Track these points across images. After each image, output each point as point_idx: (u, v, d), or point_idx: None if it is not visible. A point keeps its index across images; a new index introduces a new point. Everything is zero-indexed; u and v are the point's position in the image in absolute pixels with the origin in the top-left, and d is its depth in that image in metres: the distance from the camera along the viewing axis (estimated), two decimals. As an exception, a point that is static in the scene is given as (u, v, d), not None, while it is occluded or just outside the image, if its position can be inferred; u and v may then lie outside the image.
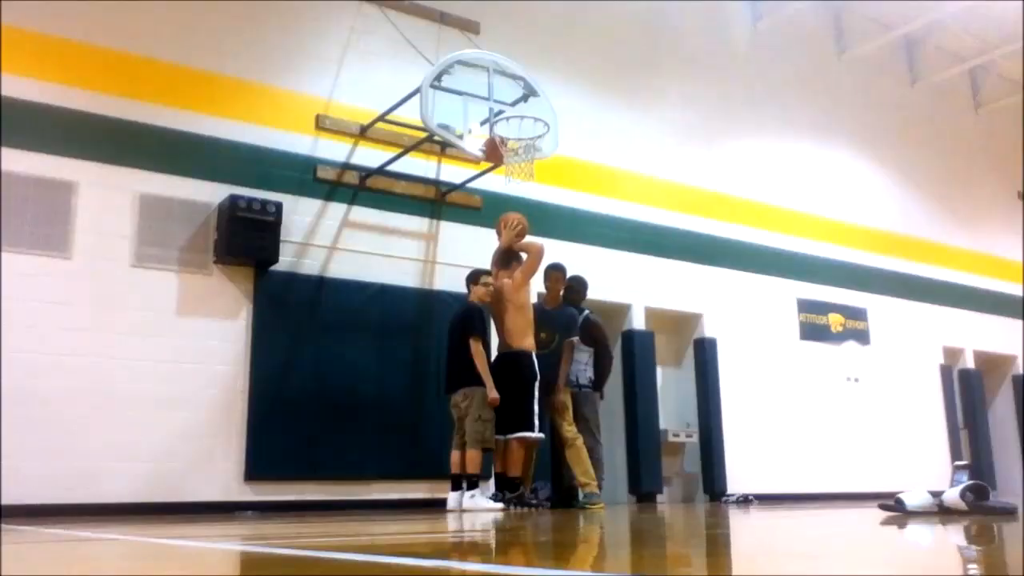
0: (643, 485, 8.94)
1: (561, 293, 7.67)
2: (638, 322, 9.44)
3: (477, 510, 6.38)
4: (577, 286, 7.87)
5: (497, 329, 7.13)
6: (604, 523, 4.88)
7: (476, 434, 6.60)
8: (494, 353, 7.16)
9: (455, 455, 6.78)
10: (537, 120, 6.96)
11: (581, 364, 7.60)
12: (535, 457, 7.09)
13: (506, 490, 6.72)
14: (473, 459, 6.63)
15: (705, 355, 9.85)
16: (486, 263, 7.40)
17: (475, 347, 6.70)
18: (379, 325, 7.74)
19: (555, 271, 7.69)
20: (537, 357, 6.95)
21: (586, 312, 7.77)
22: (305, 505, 7.07)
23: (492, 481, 7.07)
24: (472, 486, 6.63)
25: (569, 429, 7.22)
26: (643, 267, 9.64)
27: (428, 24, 8.69)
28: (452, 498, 6.71)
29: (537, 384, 6.86)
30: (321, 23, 8.18)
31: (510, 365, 6.84)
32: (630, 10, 10.34)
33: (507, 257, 7.22)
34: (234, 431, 6.99)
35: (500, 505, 6.57)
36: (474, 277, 7.10)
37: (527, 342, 6.93)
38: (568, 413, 7.27)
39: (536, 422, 6.79)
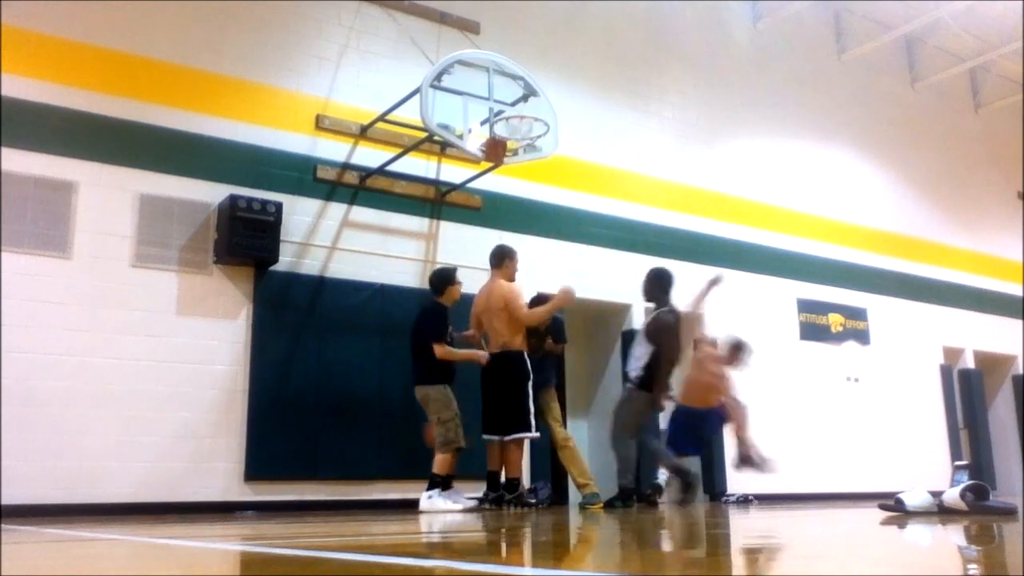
0: (643, 485, 8.91)
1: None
2: (638, 322, 9.41)
3: (434, 511, 6.17)
4: (666, 279, 7.52)
5: (487, 330, 7.02)
6: (603, 523, 4.88)
7: (440, 437, 6.46)
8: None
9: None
10: (537, 120, 6.94)
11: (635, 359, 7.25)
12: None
13: (505, 491, 6.71)
14: (440, 461, 6.46)
15: (705, 355, 9.81)
16: (486, 263, 7.33)
17: (440, 351, 6.51)
18: (379, 325, 7.74)
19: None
20: (529, 358, 6.88)
21: (664, 308, 7.39)
22: (305, 505, 7.07)
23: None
24: (433, 486, 6.43)
25: (560, 431, 7.20)
26: (643, 267, 9.57)
27: (428, 24, 8.69)
28: (423, 498, 6.52)
29: (531, 383, 6.80)
30: (321, 23, 8.18)
31: (502, 366, 6.78)
32: (630, 10, 10.35)
33: (500, 256, 7.14)
34: (234, 431, 6.99)
35: (460, 506, 6.37)
36: (449, 279, 6.83)
37: (517, 342, 6.87)
38: (555, 414, 7.22)
39: (532, 421, 6.74)
